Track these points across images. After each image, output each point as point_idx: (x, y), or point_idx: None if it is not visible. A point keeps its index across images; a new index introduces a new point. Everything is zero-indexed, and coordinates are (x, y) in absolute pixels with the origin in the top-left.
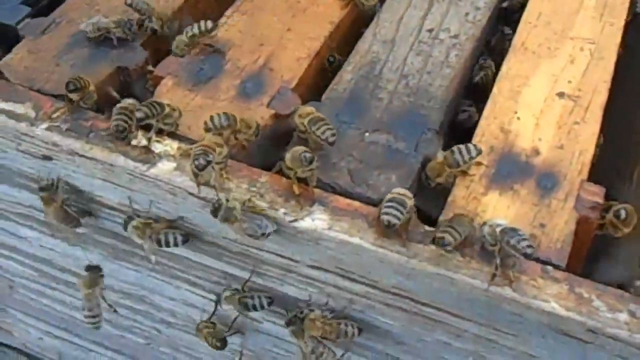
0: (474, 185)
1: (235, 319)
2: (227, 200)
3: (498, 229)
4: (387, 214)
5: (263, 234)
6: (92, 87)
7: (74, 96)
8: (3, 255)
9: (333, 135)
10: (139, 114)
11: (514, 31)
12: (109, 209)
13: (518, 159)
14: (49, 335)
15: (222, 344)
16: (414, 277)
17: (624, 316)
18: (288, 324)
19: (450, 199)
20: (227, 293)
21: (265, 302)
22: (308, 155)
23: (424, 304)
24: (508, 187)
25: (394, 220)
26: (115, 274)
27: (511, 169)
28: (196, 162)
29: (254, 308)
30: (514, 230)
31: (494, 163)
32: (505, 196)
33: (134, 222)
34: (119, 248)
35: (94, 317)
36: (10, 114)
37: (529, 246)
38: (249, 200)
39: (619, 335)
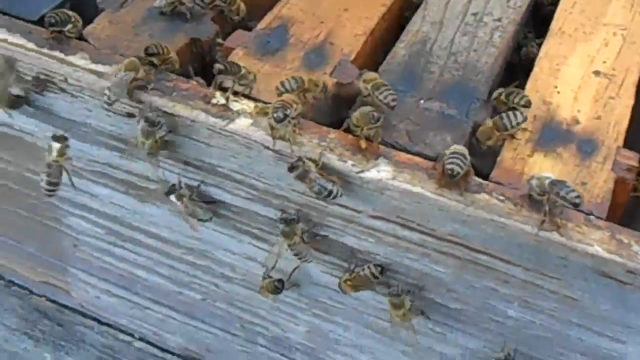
0: (520, 148)
1: (294, 270)
2: (304, 162)
3: (547, 181)
4: (452, 163)
5: (329, 196)
6: (172, 55)
7: (154, 59)
8: (72, 213)
9: (394, 100)
10: (217, 67)
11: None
12: (185, 164)
13: (560, 127)
14: (107, 294)
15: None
16: (469, 224)
17: None
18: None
19: (499, 159)
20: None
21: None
22: (376, 114)
23: (476, 251)
24: (551, 150)
25: (458, 169)
26: (182, 229)
27: (554, 135)
28: (275, 115)
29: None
30: (562, 182)
31: (538, 130)
32: (549, 158)
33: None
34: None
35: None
36: (99, 74)
37: (577, 196)
38: (323, 166)
39: None
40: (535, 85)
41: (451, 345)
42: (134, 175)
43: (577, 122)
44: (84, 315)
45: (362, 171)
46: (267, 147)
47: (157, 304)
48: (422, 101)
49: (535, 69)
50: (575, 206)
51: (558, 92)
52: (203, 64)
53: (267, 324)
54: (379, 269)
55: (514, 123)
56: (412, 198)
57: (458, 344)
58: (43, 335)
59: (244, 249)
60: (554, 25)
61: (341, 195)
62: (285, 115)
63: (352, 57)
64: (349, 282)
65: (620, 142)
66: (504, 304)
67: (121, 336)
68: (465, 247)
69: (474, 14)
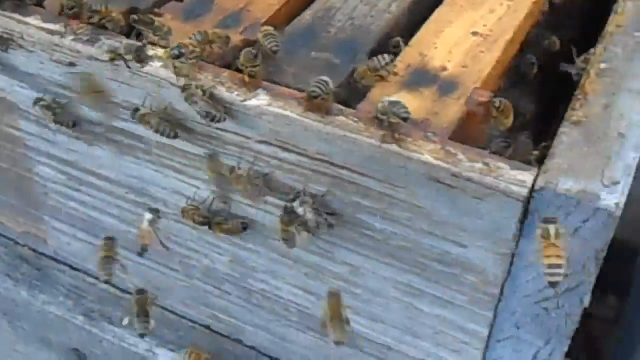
0: (388, 87)
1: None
2: (194, 87)
3: (386, 102)
4: (314, 86)
5: (212, 120)
6: (115, 14)
7: (95, 17)
8: (39, 162)
9: (276, 46)
10: (132, 17)
11: None
12: (119, 107)
13: (427, 73)
14: (75, 239)
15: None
16: (329, 141)
17: (479, 165)
18: None
19: (368, 94)
20: None
21: None
22: (254, 51)
23: (339, 167)
24: (415, 90)
25: (318, 91)
26: (122, 169)
27: (420, 79)
28: (172, 52)
29: None
30: (397, 102)
31: (408, 75)
32: (411, 95)
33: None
34: (124, 144)
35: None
36: (47, 30)
37: (406, 112)
38: (212, 96)
39: (473, 178)
40: (418, 42)
41: (338, 263)
42: (82, 120)
43: (445, 69)
44: (58, 261)
45: (244, 100)
46: (173, 84)
47: None
48: (313, 52)
49: (421, 30)
50: (404, 120)
51: (435, 48)
52: None
53: (198, 256)
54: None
55: (382, 63)
56: (283, 121)
57: (345, 262)
58: (22, 277)
59: (171, 183)
60: None
61: (224, 120)
62: (181, 53)
63: (263, 21)
64: None
65: (479, 84)
66: (370, 217)
67: (88, 279)
68: (330, 163)
69: None
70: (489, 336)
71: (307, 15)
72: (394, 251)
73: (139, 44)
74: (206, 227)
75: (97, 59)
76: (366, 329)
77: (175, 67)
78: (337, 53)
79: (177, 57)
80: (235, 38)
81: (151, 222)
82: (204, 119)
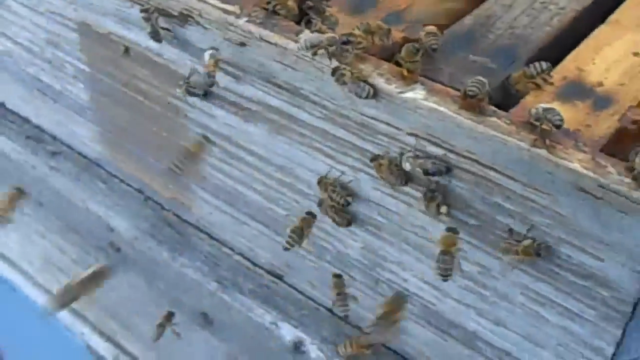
0: (542, 95)
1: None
2: (342, 69)
3: (540, 109)
4: (471, 85)
5: (361, 95)
6: (290, 2)
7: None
8: (196, 133)
9: (436, 44)
10: (307, 3)
11: None
12: (278, 87)
13: (583, 86)
14: (218, 210)
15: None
16: (480, 140)
17: (628, 180)
18: None
19: (522, 101)
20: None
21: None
22: (416, 46)
23: (486, 166)
24: (569, 101)
25: (475, 90)
26: (273, 147)
27: (576, 91)
28: (336, 44)
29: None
30: (552, 109)
31: (564, 86)
32: (565, 106)
33: None
34: (279, 123)
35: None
36: (224, 10)
37: (560, 119)
38: (357, 71)
39: (621, 191)
40: (576, 56)
41: (470, 262)
42: (241, 97)
43: (601, 85)
44: (199, 229)
45: (402, 92)
46: None
47: (253, 219)
48: (471, 56)
49: (581, 46)
50: (557, 128)
51: (594, 64)
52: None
53: (332, 239)
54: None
55: (539, 70)
56: (437, 116)
57: (476, 262)
58: (165, 239)
59: (317, 166)
60: (612, 17)
61: (373, 95)
62: (349, 41)
63: (424, 22)
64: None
65: (635, 104)
66: (509, 220)
67: (224, 249)
68: (477, 162)
69: (542, 2)
70: (614, 355)
71: (467, 20)
72: None
73: (344, 38)
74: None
75: (266, 41)
76: (488, 332)
77: (335, 56)
78: (494, 58)
79: (344, 44)
80: (396, 35)
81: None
82: (355, 95)
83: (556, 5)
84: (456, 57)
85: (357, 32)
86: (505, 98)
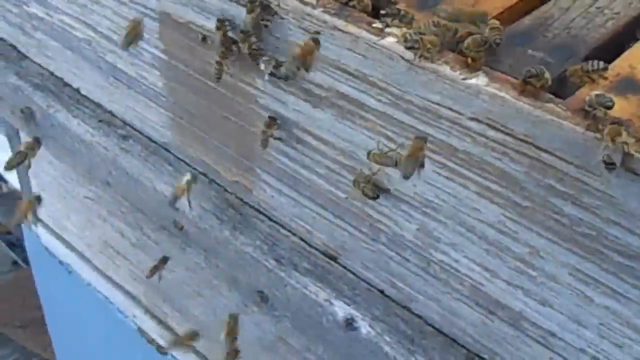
0: (597, 88)
1: None
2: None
3: (593, 95)
4: (530, 69)
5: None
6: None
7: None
8: (263, 117)
9: (500, 39)
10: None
11: None
12: (348, 74)
13: (636, 83)
14: (279, 193)
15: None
16: (537, 124)
17: None
18: None
19: (577, 92)
20: None
21: None
22: (483, 38)
23: (542, 150)
24: (622, 94)
25: (534, 72)
26: (338, 132)
27: (629, 86)
28: (409, 39)
29: None
30: (603, 94)
31: (617, 82)
32: (618, 98)
33: None
34: (345, 109)
35: None
36: (301, 1)
37: (610, 101)
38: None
39: None
40: (629, 56)
41: (521, 243)
42: (312, 84)
43: None
44: (259, 212)
45: (465, 78)
46: (403, 58)
47: (313, 202)
48: (530, 50)
49: (635, 46)
50: (608, 108)
51: None
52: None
53: (388, 221)
54: None
55: (595, 67)
56: (497, 101)
57: (527, 243)
58: (227, 219)
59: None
60: None
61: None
62: (414, 48)
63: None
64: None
65: None
66: (561, 201)
67: (282, 231)
68: (533, 146)
69: (598, 7)
70: None
71: (526, 20)
72: (577, 238)
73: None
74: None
75: (339, 30)
76: (534, 312)
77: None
78: (551, 54)
79: (412, 48)
80: (460, 31)
81: None
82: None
83: (611, 10)
84: (515, 51)
85: (432, 29)
86: (561, 89)
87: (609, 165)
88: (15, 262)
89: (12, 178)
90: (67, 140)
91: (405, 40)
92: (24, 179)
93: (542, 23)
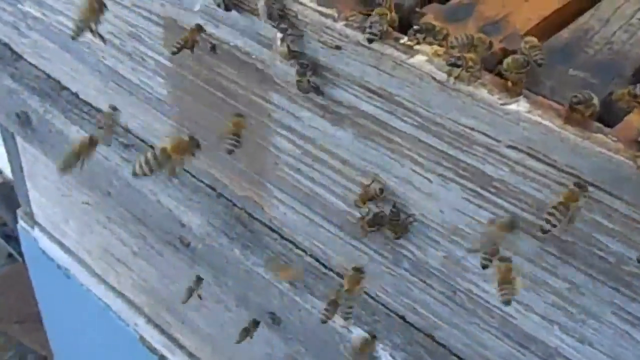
0: None
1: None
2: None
3: None
4: (577, 94)
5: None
6: (392, 14)
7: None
8: (278, 133)
9: (542, 59)
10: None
11: None
12: (371, 92)
13: None
14: (292, 210)
15: None
16: (584, 156)
17: None
18: None
19: (626, 118)
20: None
21: None
22: (525, 59)
23: (588, 183)
24: None
25: (581, 98)
26: (359, 152)
27: None
28: (449, 60)
29: None
30: None
31: None
32: None
33: None
34: (367, 128)
35: None
36: (321, 13)
37: None
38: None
39: None
40: None
41: (560, 278)
42: (331, 100)
43: None
44: (271, 229)
45: (504, 104)
46: (434, 78)
47: (329, 222)
48: (571, 70)
49: None
50: None
51: None
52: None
53: (412, 247)
54: None
55: None
56: (540, 129)
57: (567, 278)
58: (236, 237)
59: (404, 173)
60: None
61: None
62: (458, 65)
63: (522, 33)
64: None
65: None
66: (607, 238)
67: (296, 250)
68: (578, 178)
69: (639, 18)
70: None
71: (564, 33)
72: (624, 276)
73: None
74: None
75: (362, 45)
76: (572, 349)
77: (453, 77)
78: (594, 73)
79: (454, 65)
80: (495, 46)
81: None
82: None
83: None
84: (556, 70)
85: (468, 55)
86: (607, 114)
87: None
88: (10, 255)
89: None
90: (66, 147)
91: (449, 57)
92: (17, 175)
93: (582, 37)
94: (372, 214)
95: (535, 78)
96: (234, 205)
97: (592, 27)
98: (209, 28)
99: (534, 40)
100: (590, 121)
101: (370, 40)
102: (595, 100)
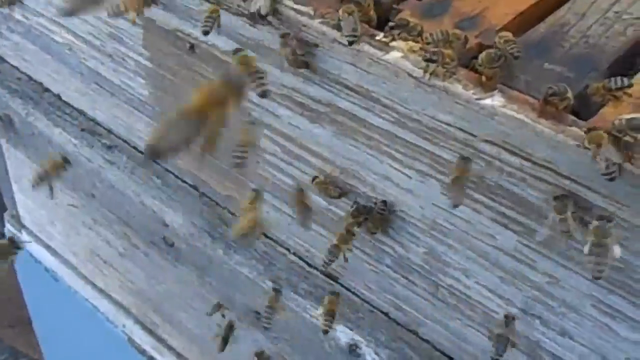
0: (621, 107)
1: None
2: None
3: (624, 120)
4: (552, 86)
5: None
6: (372, 13)
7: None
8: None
9: (519, 51)
10: (391, 25)
11: None
12: (348, 89)
13: None
14: (274, 209)
15: None
16: (559, 150)
17: None
18: None
19: (600, 111)
20: None
21: None
22: (498, 53)
23: (563, 176)
24: None
25: (556, 90)
26: (338, 149)
27: None
28: (425, 56)
29: None
30: (633, 117)
31: None
32: None
33: None
34: (346, 125)
35: None
36: (297, 11)
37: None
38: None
39: None
40: None
41: (539, 272)
42: (309, 98)
43: None
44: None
45: (480, 98)
46: (410, 75)
47: (316, 223)
48: (546, 64)
49: None
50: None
51: None
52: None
53: (394, 243)
54: None
55: (619, 84)
56: (515, 124)
57: (546, 272)
58: (220, 236)
59: (383, 169)
60: None
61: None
62: (433, 60)
63: (497, 28)
64: None
65: None
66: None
67: (279, 249)
68: (554, 172)
69: (616, 12)
70: None
71: (541, 28)
72: None
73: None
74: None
75: (339, 43)
76: (552, 343)
77: (428, 73)
78: (570, 67)
79: (430, 61)
80: (471, 41)
81: None
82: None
83: (630, 15)
84: (532, 64)
85: (446, 51)
86: (582, 108)
87: None
88: None
89: None
90: (49, 150)
91: (424, 52)
92: (3, 176)
93: (558, 31)
94: (360, 204)
95: (511, 73)
96: (217, 204)
97: (569, 21)
98: (187, 28)
99: (509, 34)
100: (565, 114)
101: (350, 43)
102: (570, 94)
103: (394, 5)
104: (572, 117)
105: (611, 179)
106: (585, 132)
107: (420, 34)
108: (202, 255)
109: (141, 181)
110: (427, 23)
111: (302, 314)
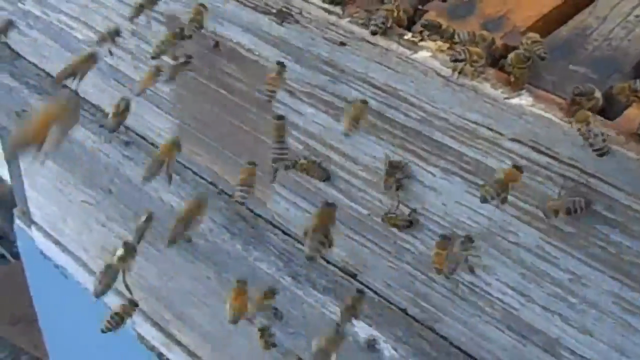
0: None
1: None
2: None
3: None
4: (579, 86)
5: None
6: (401, 14)
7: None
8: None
9: (545, 52)
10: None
11: None
12: (375, 88)
13: None
14: (294, 206)
15: None
16: (585, 149)
17: None
18: None
19: (625, 112)
20: None
21: None
22: (526, 54)
23: (589, 174)
24: None
25: (582, 90)
26: (361, 146)
27: None
28: (453, 55)
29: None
30: None
31: None
32: None
33: None
34: (372, 123)
35: None
36: (325, 10)
37: None
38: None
39: None
40: None
41: (561, 269)
42: (334, 96)
43: None
44: (273, 225)
45: (508, 98)
46: (438, 74)
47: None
48: (571, 65)
49: None
50: None
51: None
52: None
53: (414, 240)
54: None
55: None
56: (543, 122)
57: (568, 269)
58: (239, 232)
59: None
60: None
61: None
62: (461, 60)
63: (522, 30)
64: None
65: None
66: (608, 229)
67: (298, 245)
68: (580, 170)
69: (637, 16)
70: None
71: (563, 30)
72: (624, 266)
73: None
74: None
75: (367, 42)
76: (573, 340)
77: (457, 72)
78: (594, 69)
79: (458, 61)
80: (496, 42)
81: None
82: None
83: None
84: (557, 66)
85: (474, 49)
86: (607, 108)
87: None
88: (2, 256)
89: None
90: (66, 145)
91: (452, 51)
92: (15, 173)
93: (580, 34)
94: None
95: (537, 73)
96: (236, 201)
97: (590, 25)
98: (211, 25)
99: (536, 35)
100: (592, 116)
101: (374, 33)
102: (598, 94)
103: (419, 7)
104: (599, 118)
105: (602, 154)
106: (570, 112)
107: (452, 36)
108: (221, 252)
109: (159, 177)
110: (452, 24)
111: (321, 310)
